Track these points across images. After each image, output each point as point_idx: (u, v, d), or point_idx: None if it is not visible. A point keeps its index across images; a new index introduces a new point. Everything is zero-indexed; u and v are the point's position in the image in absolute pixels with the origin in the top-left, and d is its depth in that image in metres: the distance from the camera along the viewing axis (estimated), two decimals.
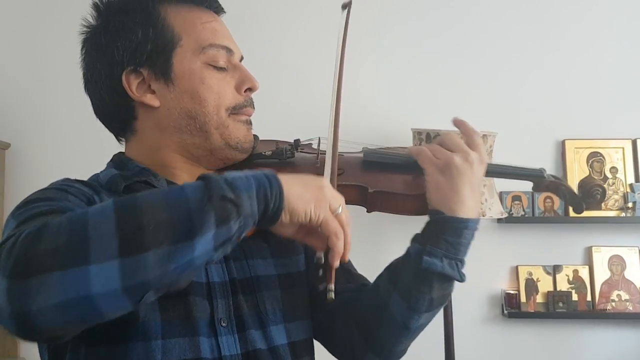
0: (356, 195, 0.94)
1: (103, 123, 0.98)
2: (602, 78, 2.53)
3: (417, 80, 2.53)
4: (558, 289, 2.41)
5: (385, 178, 0.96)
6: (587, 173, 2.46)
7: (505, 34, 2.55)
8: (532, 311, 2.40)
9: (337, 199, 0.78)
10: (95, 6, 0.94)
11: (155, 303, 0.78)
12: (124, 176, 0.90)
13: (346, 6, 0.96)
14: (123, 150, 0.99)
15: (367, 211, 0.97)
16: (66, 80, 2.58)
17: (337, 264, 0.78)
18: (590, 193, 1.03)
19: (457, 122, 0.96)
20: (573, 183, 2.43)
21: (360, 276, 1.04)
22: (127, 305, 0.65)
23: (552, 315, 2.39)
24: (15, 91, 2.57)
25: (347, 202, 0.92)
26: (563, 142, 2.49)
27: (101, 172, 0.95)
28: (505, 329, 2.44)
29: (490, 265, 2.44)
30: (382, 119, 2.45)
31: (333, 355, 1.03)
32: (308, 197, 0.74)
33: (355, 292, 0.98)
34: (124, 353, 0.77)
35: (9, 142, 2.50)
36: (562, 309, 2.38)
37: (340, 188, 0.90)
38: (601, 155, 2.48)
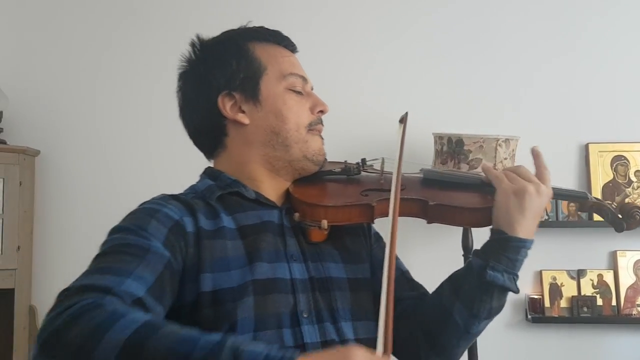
0: (417, 208, 1.07)
1: (196, 143, 1.14)
2: (626, 80, 2.51)
3: (438, 85, 2.53)
4: (582, 293, 2.39)
5: (443, 193, 1.10)
6: (611, 177, 2.44)
7: (528, 38, 2.55)
8: (556, 316, 2.38)
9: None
10: (193, 45, 1.14)
11: (251, 303, 0.93)
12: (218, 186, 1.06)
13: (402, 120, 1.13)
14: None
15: (427, 222, 1.09)
16: (95, 88, 2.64)
17: None
18: (631, 214, 1.14)
19: (535, 153, 1.11)
20: (597, 187, 2.42)
21: (420, 285, 1.17)
22: None
23: (576, 320, 2.37)
24: (45, 99, 2.63)
25: (408, 215, 1.08)
26: (586, 146, 2.48)
27: (197, 182, 1.11)
28: (529, 334, 2.42)
29: None
30: None
31: (397, 357, 1.11)
32: None
33: (416, 300, 1.12)
34: None
35: (38, 149, 2.56)
36: (586, 313, 2.36)
37: (403, 202, 1.04)
38: (625, 158, 2.45)
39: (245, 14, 2.82)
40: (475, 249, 1.06)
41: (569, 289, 2.40)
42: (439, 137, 2.26)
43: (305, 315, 0.97)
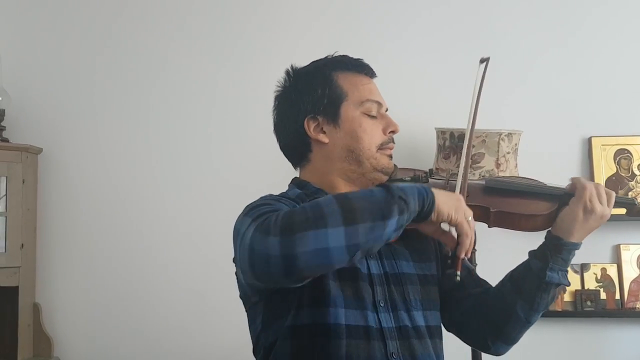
0: (479, 213, 1.20)
1: (286, 154, 1.32)
2: (628, 74, 2.50)
3: (440, 79, 2.52)
4: (586, 287, 2.39)
5: (503, 200, 1.24)
6: (614, 170, 2.44)
7: (530, 31, 2.54)
8: (560, 310, 2.38)
9: (469, 210, 1.09)
10: (287, 73, 1.30)
11: (336, 284, 1.12)
12: (306, 194, 1.24)
13: (484, 61, 1.33)
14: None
15: (488, 227, 1.23)
16: (97, 85, 2.64)
17: (462, 256, 1.08)
18: None
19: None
20: (600, 180, 2.41)
21: (484, 281, 1.35)
22: (345, 260, 0.98)
23: (580, 314, 2.37)
24: (48, 96, 2.63)
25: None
26: (589, 140, 2.47)
27: (287, 191, 1.28)
28: (533, 328, 2.34)
29: (517, 264, 2.43)
30: (406, 118, 2.42)
31: (467, 343, 1.36)
32: (451, 204, 1.06)
33: (482, 296, 1.30)
34: (323, 313, 1.10)
35: (41, 147, 2.56)
36: (590, 307, 2.36)
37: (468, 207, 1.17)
38: (628, 152, 2.45)
39: (244, 12, 2.81)
40: (532, 250, 1.25)
41: (572, 283, 2.37)
42: (441, 132, 2.25)
43: (382, 305, 1.15)
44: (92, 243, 2.57)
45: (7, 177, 2.41)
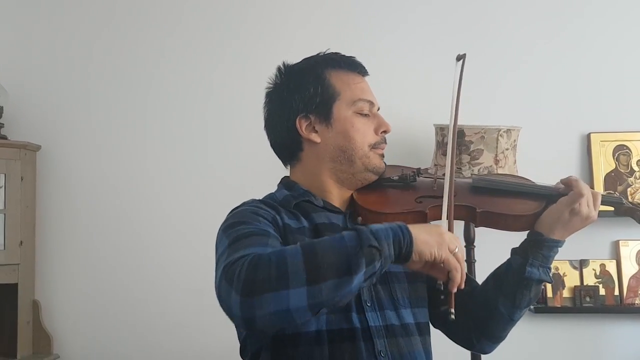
0: (466, 213, 1.20)
1: (277, 153, 1.31)
2: (627, 70, 2.50)
3: (438, 75, 2.51)
4: (585, 283, 2.39)
5: (490, 200, 1.23)
6: (613, 166, 2.44)
7: (529, 27, 2.53)
8: (559, 306, 2.38)
9: (454, 242, 1.03)
10: (279, 69, 1.29)
11: None
12: (293, 196, 1.24)
13: (460, 58, 1.30)
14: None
15: (474, 226, 1.25)
16: (95, 82, 2.64)
17: (454, 290, 1.02)
18: None
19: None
20: (599, 177, 2.42)
21: (472, 279, 1.35)
22: (308, 317, 0.96)
23: (579, 310, 2.37)
24: (46, 94, 2.63)
25: (458, 219, 1.19)
26: (588, 136, 2.47)
27: (275, 191, 1.29)
28: (532, 324, 2.42)
29: None
30: (404, 115, 2.45)
31: (453, 340, 1.35)
32: (432, 242, 1.00)
33: (468, 295, 1.25)
34: (304, 323, 1.05)
35: (39, 144, 2.56)
36: (589, 303, 2.36)
37: (454, 205, 1.16)
38: (627, 148, 2.45)
39: (239, 10, 2.81)
40: (514, 247, 1.25)
41: (571, 279, 2.40)
42: (440, 129, 2.25)
43: (368, 304, 1.14)
44: (91, 240, 2.57)
45: (5, 175, 2.40)
